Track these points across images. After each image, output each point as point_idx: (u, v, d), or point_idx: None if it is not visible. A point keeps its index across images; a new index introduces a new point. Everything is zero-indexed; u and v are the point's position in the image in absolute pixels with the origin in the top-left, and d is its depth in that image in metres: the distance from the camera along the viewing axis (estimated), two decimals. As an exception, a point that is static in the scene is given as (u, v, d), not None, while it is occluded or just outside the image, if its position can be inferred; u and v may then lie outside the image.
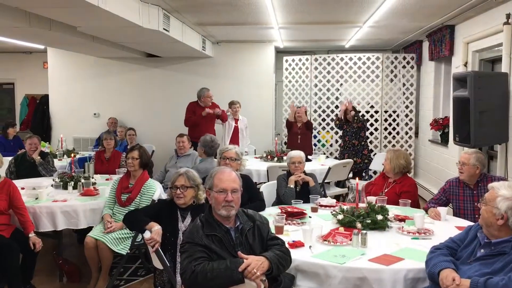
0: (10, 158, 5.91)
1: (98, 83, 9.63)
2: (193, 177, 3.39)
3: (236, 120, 7.81)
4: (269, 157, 6.92)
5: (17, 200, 4.11)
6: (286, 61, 9.27)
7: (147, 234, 3.23)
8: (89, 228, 4.40)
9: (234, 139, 7.64)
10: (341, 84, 9.06)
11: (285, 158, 5.93)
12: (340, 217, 3.53)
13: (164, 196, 4.49)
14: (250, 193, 4.16)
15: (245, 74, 9.36)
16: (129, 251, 4.22)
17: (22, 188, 4.53)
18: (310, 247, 3.00)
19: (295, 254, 2.83)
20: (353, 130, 7.35)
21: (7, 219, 4.09)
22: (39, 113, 10.09)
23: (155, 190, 4.47)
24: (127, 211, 3.87)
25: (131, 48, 8.19)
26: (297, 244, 3.04)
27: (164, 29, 5.87)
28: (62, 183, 4.98)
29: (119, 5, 4.74)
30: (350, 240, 3.08)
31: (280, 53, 10.09)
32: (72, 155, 5.62)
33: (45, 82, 9.80)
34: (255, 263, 2.46)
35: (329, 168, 6.07)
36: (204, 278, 2.39)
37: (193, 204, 3.40)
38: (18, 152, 6.24)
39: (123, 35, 6.47)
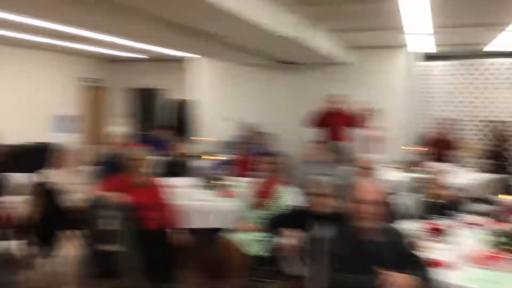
0: (158, 158, 6.40)
1: (233, 89, 10.09)
2: (331, 186, 3.36)
3: (372, 128, 7.64)
4: (407, 167, 6.61)
5: (162, 197, 4.44)
6: (422, 67, 8.83)
7: (283, 240, 3.26)
8: (226, 229, 4.58)
9: (370, 148, 7.47)
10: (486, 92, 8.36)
11: (423, 169, 5.61)
12: (490, 237, 3.22)
13: (300, 203, 4.49)
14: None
15: (379, 80, 9.02)
16: (264, 254, 4.29)
17: (167, 187, 4.88)
18: (454, 267, 2.78)
19: (436, 273, 2.64)
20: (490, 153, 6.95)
21: (153, 214, 4.41)
22: (182, 117, 10.97)
23: (290, 196, 4.51)
24: (261, 215, 3.95)
25: (266, 54, 8.42)
26: (438, 263, 2.83)
27: (298, 36, 5.91)
28: (202, 184, 5.27)
29: (257, 13, 4.88)
30: (505, 264, 2.79)
31: (427, 59, 9.57)
32: (212, 157, 5.91)
33: (188, 88, 10.57)
34: (395, 280, 2.38)
35: (475, 183, 5.62)
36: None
37: (330, 213, 3.36)
38: (164, 153, 6.74)
39: (259, 42, 6.66)
